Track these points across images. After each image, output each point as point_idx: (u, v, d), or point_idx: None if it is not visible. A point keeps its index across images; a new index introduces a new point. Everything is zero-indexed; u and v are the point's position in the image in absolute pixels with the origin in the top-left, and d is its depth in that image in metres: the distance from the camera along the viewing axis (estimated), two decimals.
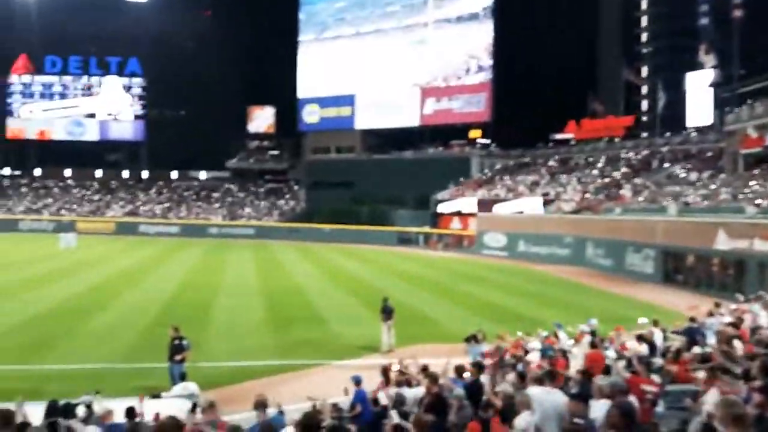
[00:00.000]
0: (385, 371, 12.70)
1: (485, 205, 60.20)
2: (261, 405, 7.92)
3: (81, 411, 10.03)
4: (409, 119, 78.94)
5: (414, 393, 10.44)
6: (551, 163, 68.57)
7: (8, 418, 6.68)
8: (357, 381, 11.37)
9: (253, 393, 10.56)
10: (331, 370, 17.53)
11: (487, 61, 74.20)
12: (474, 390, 9.78)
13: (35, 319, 23.95)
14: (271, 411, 8.32)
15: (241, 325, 24.03)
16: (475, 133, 76.51)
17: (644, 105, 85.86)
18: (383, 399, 11.08)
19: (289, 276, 39.31)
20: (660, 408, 8.53)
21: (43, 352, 19.26)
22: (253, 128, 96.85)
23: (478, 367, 11.49)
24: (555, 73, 73.74)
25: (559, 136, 71.49)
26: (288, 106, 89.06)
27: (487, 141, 76.83)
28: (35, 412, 9.63)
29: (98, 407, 10.17)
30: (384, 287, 31.39)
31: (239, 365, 18.38)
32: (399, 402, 9.86)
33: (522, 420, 7.46)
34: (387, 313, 20.68)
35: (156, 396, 13.39)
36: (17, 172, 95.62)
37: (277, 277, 38.37)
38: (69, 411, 8.45)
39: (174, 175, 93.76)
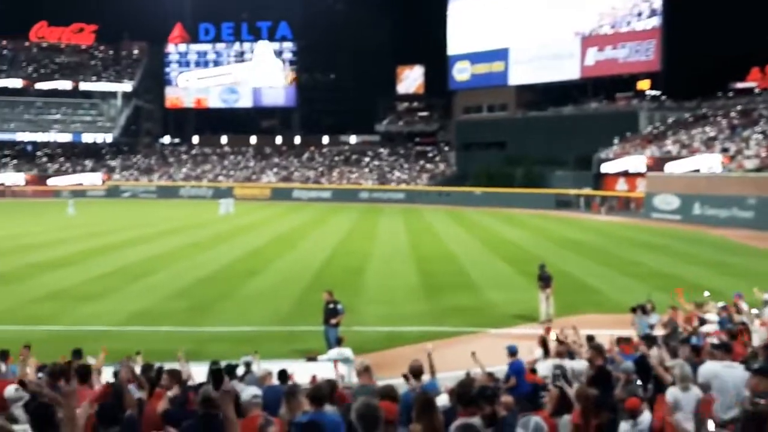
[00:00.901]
0: (544, 341, 12.52)
1: (655, 163, 57.20)
2: (416, 371, 8.07)
3: (240, 372, 10.74)
4: (569, 72, 76.11)
5: (575, 365, 10.23)
6: (732, 114, 63.70)
7: (177, 377, 7.30)
8: (512, 351, 11.27)
9: (405, 359, 10.79)
10: (486, 339, 17.56)
11: (658, 3, 69.74)
12: (643, 364, 9.42)
13: (198, 283, 25.83)
14: (426, 378, 8.46)
15: (394, 290, 24.58)
16: (643, 84, 72.64)
17: None
18: (542, 370, 10.95)
19: (440, 241, 39.59)
20: None
21: (204, 314, 20.77)
22: (402, 89, 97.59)
23: (648, 340, 11.04)
24: (735, 14, 68.15)
25: (740, 85, 66.58)
26: (437, 65, 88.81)
27: (657, 92, 72.73)
28: (199, 372, 10.44)
29: (256, 368, 10.83)
30: (541, 254, 30.80)
31: (392, 330, 18.86)
32: (559, 374, 9.70)
33: (670, 394, 7.13)
34: (544, 280, 20.30)
35: (312, 359, 14.06)
36: (177, 140, 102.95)
37: (428, 243, 38.77)
38: (230, 372, 9.06)
39: (325, 140, 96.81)
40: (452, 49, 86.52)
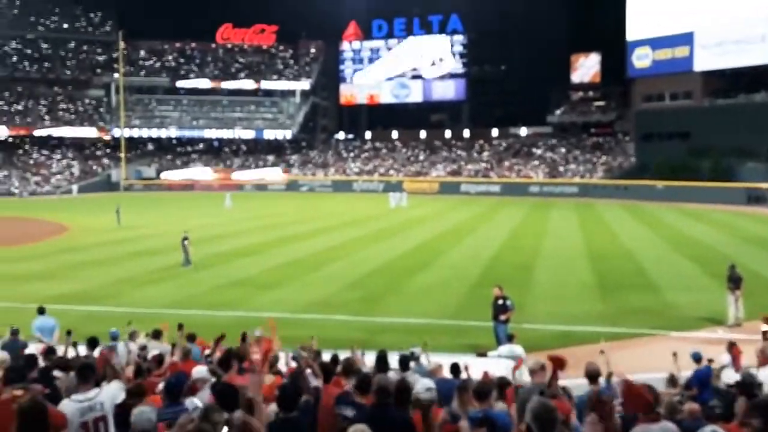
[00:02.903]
0: (732, 347, 11.67)
1: None
2: (592, 375, 7.80)
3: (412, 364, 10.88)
4: (760, 56, 70.17)
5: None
6: None
7: (351, 366, 7.54)
8: (697, 358, 10.59)
9: (577, 359, 10.48)
10: (667, 342, 16.62)
11: None
12: None
13: (370, 275, 26.59)
14: (602, 381, 8.16)
15: (566, 288, 23.94)
16: None
17: None
18: (727, 378, 10.20)
19: (616, 238, 38.02)
20: None
21: (375, 305, 21.34)
22: (577, 78, 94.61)
23: None
24: None
25: None
26: (615, 52, 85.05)
27: None
28: (367, 361, 10.73)
29: (425, 361, 10.95)
30: (730, 253, 28.75)
31: (564, 329, 18.39)
32: (748, 384, 8.97)
33: None
34: (734, 281, 18.92)
35: (482, 354, 14.00)
36: (350, 136, 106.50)
37: (603, 239, 37.36)
38: (404, 363, 9.21)
39: (494, 132, 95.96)
40: (631, 34, 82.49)
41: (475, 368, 10.33)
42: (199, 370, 7.26)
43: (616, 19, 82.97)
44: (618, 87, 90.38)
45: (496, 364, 12.46)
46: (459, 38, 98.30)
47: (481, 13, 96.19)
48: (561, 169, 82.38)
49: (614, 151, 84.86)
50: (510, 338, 14.76)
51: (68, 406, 5.53)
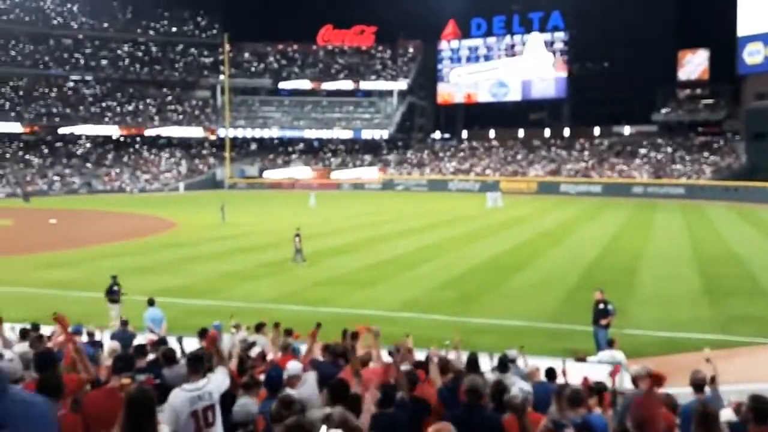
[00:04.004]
0: None
1: None
2: (698, 384, 7.48)
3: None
4: None
5: None
6: None
7: (449, 365, 7.54)
8: None
9: (682, 368, 10.09)
10: None
11: None
12: None
13: (465, 274, 26.46)
14: (707, 390, 7.82)
15: (671, 293, 23.05)
16: None
17: None
18: None
19: (725, 242, 36.31)
20: None
21: (471, 305, 21.20)
22: (684, 75, 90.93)
23: None
24: None
25: None
26: (724, 48, 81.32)
27: None
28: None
29: (522, 363, 10.79)
30: None
31: (668, 336, 17.72)
32: None
33: None
34: None
35: (581, 359, 13.69)
36: (447, 135, 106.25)
37: (711, 244, 35.74)
38: (503, 365, 9.12)
39: (596, 131, 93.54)
40: (742, 29, 78.62)
41: (574, 373, 10.12)
42: (294, 366, 7.39)
43: (726, 13, 79.32)
44: (727, 85, 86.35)
45: (596, 370, 12.16)
46: (560, 35, 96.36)
47: (583, 9, 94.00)
48: (666, 169, 79.43)
49: (723, 152, 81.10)
50: (610, 343, 14.35)
51: (179, 395, 5.76)
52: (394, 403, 6.06)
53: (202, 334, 11.23)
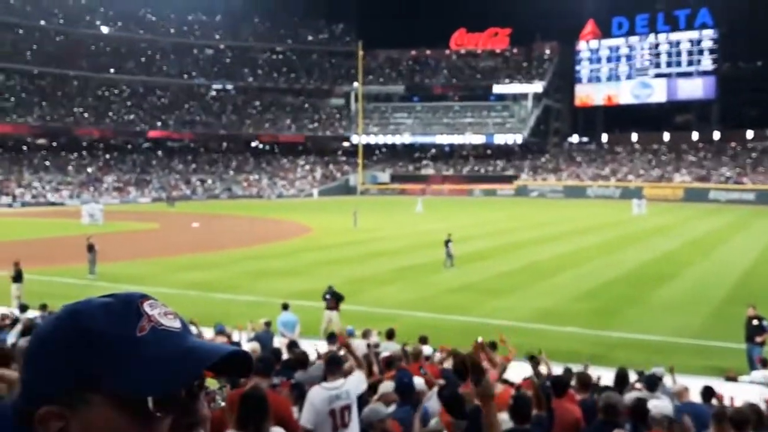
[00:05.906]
0: None
1: None
2: None
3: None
4: None
5: None
6: None
7: (587, 380, 7.29)
8: None
9: None
10: None
11: None
12: None
13: (604, 285, 25.56)
14: None
15: None
16: None
17: None
18: None
19: None
20: None
21: (610, 318, 20.42)
22: None
23: None
24: None
25: None
26: None
27: None
28: (606, 376, 10.30)
29: (670, 382, 10.29)
30: None
31: None
32: None
33: None
34: None
35: (731, 378, 12.90)
36: (585, 139, 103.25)
37: None
38: (652, 383, 8.72)
39: (749, 134, 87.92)
40: None
41: (725, 393, 9.54)
42: (417, 382, 7.39)
43: None
44: None
45: (749, 391, 11.40)
46: (708, 33, 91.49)
47: (734, 6, 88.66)
48: None
49: None
50: (765, 363, 13.41)
51: (319, 392, 5.92)
52: (529, 420, 5.90)
53: (331, 338, 11.47)
